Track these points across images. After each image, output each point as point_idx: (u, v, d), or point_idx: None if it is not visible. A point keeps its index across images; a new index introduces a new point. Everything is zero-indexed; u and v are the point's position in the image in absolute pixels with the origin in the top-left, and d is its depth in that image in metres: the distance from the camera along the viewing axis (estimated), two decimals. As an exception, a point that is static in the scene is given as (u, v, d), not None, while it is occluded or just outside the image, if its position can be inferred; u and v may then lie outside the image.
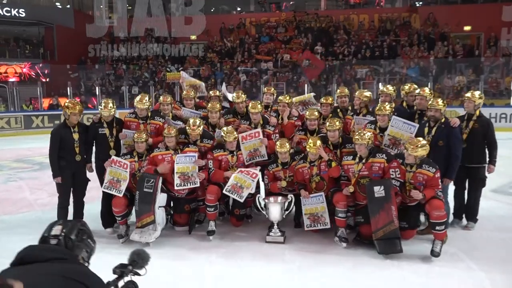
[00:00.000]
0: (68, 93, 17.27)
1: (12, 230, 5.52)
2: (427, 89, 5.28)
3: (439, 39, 19.23)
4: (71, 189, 5.22)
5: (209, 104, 5.69)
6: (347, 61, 19.19)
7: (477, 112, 5.02)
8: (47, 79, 20.97)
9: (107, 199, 5.11)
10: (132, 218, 5.24)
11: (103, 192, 5.13)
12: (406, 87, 5.56)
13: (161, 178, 4.87)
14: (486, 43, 19.36)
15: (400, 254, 4.36)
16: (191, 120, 5.26)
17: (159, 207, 4.81)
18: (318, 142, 4.88)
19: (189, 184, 5.01)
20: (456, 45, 18.86)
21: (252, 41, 22.04)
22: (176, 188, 5.02)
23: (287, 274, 4.14)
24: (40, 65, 21.36)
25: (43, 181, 7.99)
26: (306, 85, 17.09)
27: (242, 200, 5.00)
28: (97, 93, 17.82)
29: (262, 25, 22.94)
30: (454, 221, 5.23)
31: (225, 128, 5.23)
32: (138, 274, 2.02)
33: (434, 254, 4.27)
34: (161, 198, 4.87)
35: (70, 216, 5.21)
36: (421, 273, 4.08)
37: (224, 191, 4.98)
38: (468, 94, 5.11)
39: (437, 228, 4.32)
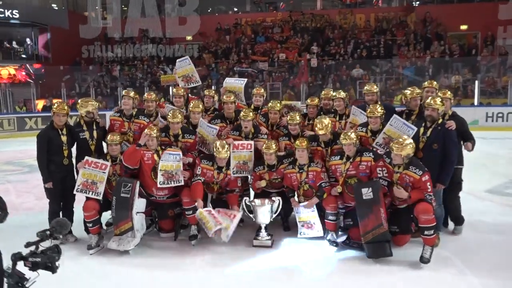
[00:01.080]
0: (62, 95, 17.12)
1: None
2: (417, 89, 5.10)
3: (436, 39, 19.14)
4: (60, 194, 4.97)
5: (191, 103, 5.46)
6: (343, 60, 19.07)
7: (450, 111, 4.83)
8: (43, 80, 20.79)
9: None
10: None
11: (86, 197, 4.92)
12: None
13: (138, 183, 4.67)
14: (483, 42, 19.28)
15: (390, 259, 4.21)
16: (171, 112, 5.11)
17: (137, 213, 4.60)
18: (305, 143, 4.77)
19: (172, 182, 4.81)
20: (452, 44, 18.76)
21: (248, 41, 21.93)
22: (159, 186, 4.80)
23: (273, 280, 3.99)
24: (35, 67, 21.23)
25: (31, 184, 7.83)
26: (302, 85, 16.97)
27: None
28: (91, 94, 17.67)
29: (258, 25, 22.84)
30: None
31: (218, 143, 4.93)
32: (56, 238, 2.41)
33: (424, 260, 4.11)
34: (139, 204, 4.67)
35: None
36: (412, 278, 3.93)
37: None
38: (440, 94, 4.86)
39: (426, 233, 4.14)
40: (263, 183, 4.99)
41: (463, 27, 20.35)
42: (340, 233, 4.88)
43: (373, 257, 4.28)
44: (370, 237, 4.28)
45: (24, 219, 5.94)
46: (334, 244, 4.60)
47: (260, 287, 3.90)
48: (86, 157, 4.82)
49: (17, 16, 20.84)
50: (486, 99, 16.37)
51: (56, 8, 24.00)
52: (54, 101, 14.40)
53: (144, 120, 5.31)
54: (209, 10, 24.94)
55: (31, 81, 19.97)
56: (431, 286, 3.80)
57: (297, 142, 4.81)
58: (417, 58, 18.25)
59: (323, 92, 5.81)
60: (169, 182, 4.81)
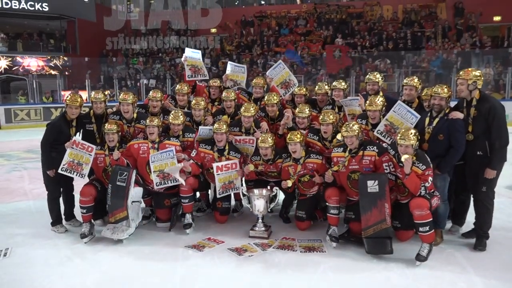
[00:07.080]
0: (86, 86, 17.42)
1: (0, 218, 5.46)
2: (416, 79, 4.80)
3: (466, 30, 18.38)
4: (59, 181, 4.93)
5: (193, 101, 5.26)
6: (368, 53, 18.59)
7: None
8: (69, 72, 21.20)
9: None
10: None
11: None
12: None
13: (134, 171, 4.60)
14: (517, 34, 18.43)
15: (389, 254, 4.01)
16: (173, 113, 4.99)
17: (133, 202, 4.54)
18: (298, 136, 4.59)
19: (169, 181, 4.74)
20: (484, 36, 17.98)
21: (272, 34, 21.70)
22: (156, 187, 4.76)
23: (266, 273, 3.84)
24: (64, 58, 21.72)
25: (44, 171, 7.95)
26: (323, 77, 16.65)
27: (240, 191, 5.01)
28: (115, 86, 17.91)
29: (283, 17, 22.57)
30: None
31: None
32: None
33: (420, 258, 3.87)
34: (136, 193, 4.59)
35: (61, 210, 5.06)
36: (409, 275, 3.71)
37: (218, 196, 4.91)
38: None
39: (421, 229, 3.90)
40: (251, 167, 4.82)
41: (496, 18, 19.48)
42: (345, 225, 4.71)
43: (373, 253, 4.08)
44: (371, 232, 4.11)
45: (31, 205, 6.08)
46: (335, 240, 4.38)
47: (253, 278, 3.75)
48: (74, 137, 4.78)
49: (47, 9, 21.33)
50: (518, 93, 15.64)
51: (84, 1, 24.41)
52: (84, 93, 14.72)
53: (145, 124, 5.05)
54: (236, 3, 24.86)
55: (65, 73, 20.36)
56: (428, 283, 3.57)
57: (289, 135, 4.54)
58: (445, 51, 17.59)
59: (317, 87, 5.52)
60: (166, 182, 4.74)
